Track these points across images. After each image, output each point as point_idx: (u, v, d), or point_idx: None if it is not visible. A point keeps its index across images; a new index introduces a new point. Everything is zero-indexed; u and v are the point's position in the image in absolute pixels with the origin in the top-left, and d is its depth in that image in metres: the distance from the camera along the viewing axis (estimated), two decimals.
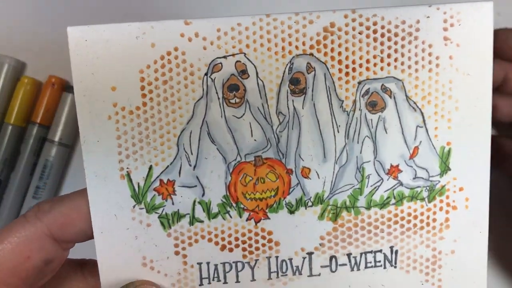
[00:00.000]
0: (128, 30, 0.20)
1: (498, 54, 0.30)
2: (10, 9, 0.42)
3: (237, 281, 0.23)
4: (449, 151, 0.22)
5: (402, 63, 0.21)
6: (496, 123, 0.32)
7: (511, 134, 0.34)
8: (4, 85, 0.40)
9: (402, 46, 0.21)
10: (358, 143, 0.22)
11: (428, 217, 0.23)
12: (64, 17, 0.42)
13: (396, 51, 0.21)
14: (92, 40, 0.20)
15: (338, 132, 0.22)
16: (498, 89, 0.32)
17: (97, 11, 0.42)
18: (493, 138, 0.31)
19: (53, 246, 0.22)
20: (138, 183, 0.22)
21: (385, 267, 0.23)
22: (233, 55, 0.21)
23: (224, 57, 0.21)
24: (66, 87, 0.41)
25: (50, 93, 0.40)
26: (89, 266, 0.25)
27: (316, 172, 0.22)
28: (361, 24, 0.21)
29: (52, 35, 0.41)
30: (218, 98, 0.21)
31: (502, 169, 0.33)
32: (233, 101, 0.21)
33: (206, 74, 0.21)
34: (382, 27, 0.21)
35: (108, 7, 0.41)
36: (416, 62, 0.21)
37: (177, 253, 0.22)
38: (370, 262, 0.23)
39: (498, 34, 0.31)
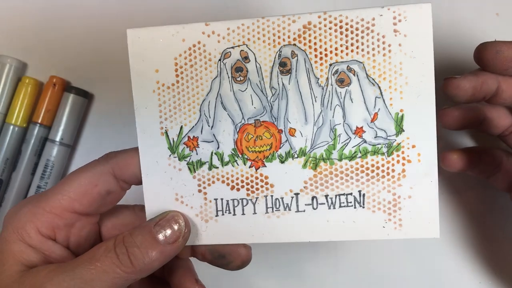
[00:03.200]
0: (167, 30, 0.30)
1: (489, 68, 0.32)
2: (11, 10, 0.43)
3: (243, 214, 0.30)
4: (402, 116, 0.29)
5: (362, 50, 0.29)
6: (488, 134, 0.36)
7: (501, 146, 0.37)
8: (5, 86, 0.40)
9: (362, 37, 0.29)
10: (330, 110, 0.29)
11: (388, 168, 0.29)
12: (65, 17, 0.42)
13: (357, 41, 0.29)
14: (142, 37, 0.30)
15: (316, 101, 0.29)
16: (490, 100, 0.33)
17: (97, 11, 0.43)
18: (487, 150, 0.36)
19: (114, 181, 0.31)
20: (173, 138, 0.30)
21: (355, 207, 0.30)
22: (238, 46, 0.29)
23: (232, 47, 0.29)
24: (67, 87, 0.41)
25: (51, 93, 0.40)
26: (137, 207, 0.34)
27: (300, 132, 0.30)
28: (330, 22, 0.29)
29: (53, 35, 0.42)
30: (228, 77, 0.30)
31: (493, 181, 0.36)
32: (239, 79, 0.30)
33: (219, 60, 0.30)
34: (346, 24, 0.29)
35: (108, 7, 0.43)
36: (373, 49, 0.29)
37: (199, 191, 0.31)
38: (343, 203, 0.30)
39: (487, 47, 0.32)
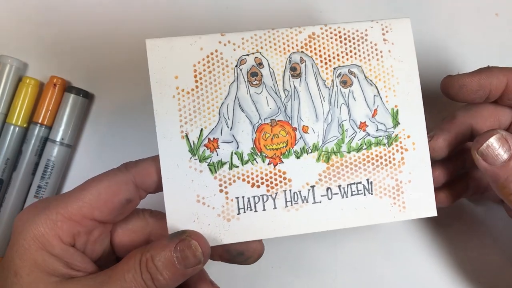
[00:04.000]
0: (185, 40, 0.32)
1: (456, 100, 0.35)
2: (11, 10, 0.43)
3: (264, 209, 0.32)
4: (397, 111, 0.33)
5: (360, 55, 0.33)
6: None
7: None
8: (6, 86, 0.40)
9: (358, 45, 0.33)
10: (337, 108, 0.33)
11: (389, 157, 0.33)
12: (65, 18, 0.43)
13: (355, 48, 0.33)
14: (162, 47, 0.32)
15: (324, 101, 0.33)
16: (497, 100, 0.34)
17: (97, 11, 0.43)
18: (471, 175, 0.39)
19: (134, 190, 0.31)
20: (193, 141, 0.32)
21: (365, 194, 0.33)
22: (252, 53, 0.32)
23: (247, 54, 0.32)
24: (68, 88, 0.41)
25: (52, 94, 0.40)
26: (146, 212, 0.33)
27: (312, 128, 0.33)
28: (331, 33, 0.33)
29: (53, 35, 0.43)
30: (245, 81, 0.32)
31: (487, 197, 0.40)
32: (254, 83, 0.32)
33: (236, 66, 0.32)
34: (344, 34, 0.33)
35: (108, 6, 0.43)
36: (368, 55, 0.33)
37: (221, 191, 0.32)
38: (354, 191, 0.33)
39: (451, 83, 0.34)
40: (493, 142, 0.32)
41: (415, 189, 0.33)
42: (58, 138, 0.40)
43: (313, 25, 0.33)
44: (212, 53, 0.32)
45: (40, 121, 0.41)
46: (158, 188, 0.32)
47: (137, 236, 0.32)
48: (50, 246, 0.28)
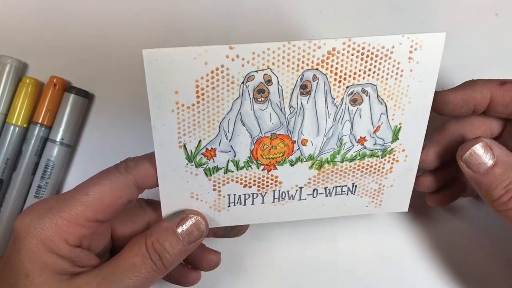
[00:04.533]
0: (188, 52, 0.28)
1: (443, 115, 0.34)
2: (11, 10, 0.42)
3: (252, 204, 0.34)
4: (399, 128, 0.33)
5: (378, 74, 0.30)
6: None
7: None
8: (6, 86, 0.40)
9: (380, 63, 0.30)
10: (340, 124, 0.32)
11: (379, 167, 0.34)
12: (65, 18, 0.42)
13: (375, 66, 0.30)
14: (161, 59, 0.28)
15: (329, 117, 0.32)
16: (486, 111, 0.34)
17: (98, 11, 0.42)
18: (455, 179, 0.38)
19: (136, 191, 0.32)
20: (191, 150, 0.31)
21: (347, 195, 0.35)
22: (262, 70, 0.29)
23: (256, 71, 0.29)
24: (68, 88, 0.41)
25: (52, 94, 0.40)
26: (141, 200, 0.35)
27: (311, 141, 0.32)
28: (353, 49, 0.29)
29: (53, 35, 0.42)
30: (250, 98, 0.30)
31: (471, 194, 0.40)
32: (260, 99, 0.30)
33: (242, 82, 0.29)
34: (368, 50, 0.29)
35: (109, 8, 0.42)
36: (387, 74, 0.30)
37: (214, 189, 0.33)
38: (339, 192, 0.35)
39: (436, 99, 0.33)
40: (476, 149, 0.32)
41: (395, 191, 0.36)
42: (58, 138, 0.40)
43: (335, 38, 0.29)
44: (217, 68, 0.28)
45: (40, 121, 0.40)
46: (158, 184, 0.33)
47: (137, 225, 0.34)
48: (57, 249, 0.30)
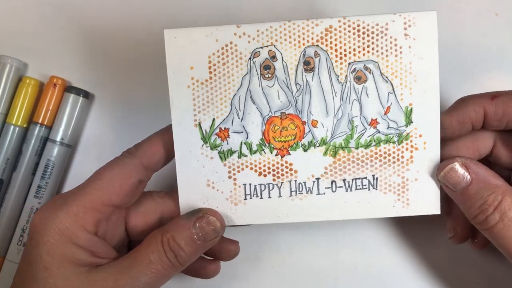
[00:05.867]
0: (202, 31, 0.33)
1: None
2: (11, 10, 0.43)
3: (269, 197, 0.34)
4: (411, 110, 0.33)
5: (377, 51, 0.33)
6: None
7: None
8: (6, 86, 0.40)
9: (377, 40, 0.32)
10: (349, 104, 0.33)
11: (398, 155, 0.33)
12: (65, 18, 0.43)
13: (373, 43, 0.32)
14: (179, 37, 0.33)
15: (336, 96, 0.33)
16: (483, 126, 0.34)
17: (98, 11, 0.43)
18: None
19: (143, 170, 0.33)
20: (206, 130, 0.33)
21: (369, 189, 0.34)
22: (267, 46, 0.33)
23: (261, 47, 0.33)
24: (68, 88, 0.41)
25: (52, 94, 0.41)
26: (155, 193, 0.36)
27: (322, 123, 0.33)
28: (349, 26, 0.32)
29: (53, 35, 0.43)
30: (257, 74, 0.33)
31: None
32: (267, 76, 0.33)
33: (250, 58, 0.33)
34: (363, 28, 0.32)
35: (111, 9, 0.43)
36: (387, 50, 0.32)
37: (229, 177, 0.34)
38: (359, 186, 0.34)
39: (445, 120, 0.33)
40: (452, 169, 0.32)
41: (421, 187, 0.34)
42: (58, 138, 0.40)
43: (331, 17, 0.32)
44: (227, 45, 0.33)
45: (40, 121, 0.41)
46: (165, 162, 0.34)
47: (150, 217, 0.35)
48: (76, 238, 0.31)
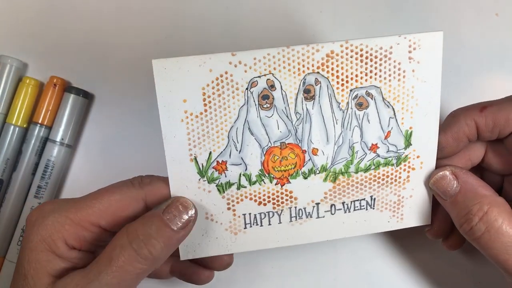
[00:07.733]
0: (194, 60, 0.29)
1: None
2: (11, 10, 0.42)
3: (269, 224, 0.33)
4: (411, 133, 0.33)
5: (380, 76, 0.31)
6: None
7: None
8: (6, 86, 0.40)
9: (380, 64, 0.31)
10: (350, 130, 0.32)
11: (395, 176, 0.33)
12: (65, 18, 0.42)
13: (376, 68, 0.31)
14: (169, 68, 0.29)
15: (337, 124, 0.32)
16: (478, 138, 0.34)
17: (98, 11, 0.43)
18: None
19: (143, 207, 0.31)
20: (202, 164, 0.31)
21: (367, 209, 0.34)
22: (264, 75, 0.30)
23: (259, 76, 0.30)
24: (68, 88, 0.41)
25: (52, 94, 0.40)
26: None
27: (322, 151, 0.32)
28: (351, 51, 0.30)
29: (53, 35, 0.42)
30: (255, 105, 0.31)
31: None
32: (265, 106, 0.31)
33: (247, 88, 0.30)
34: (366, 52, 0.30)
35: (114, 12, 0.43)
36: (390, 75, 0.31)
37: (228, 208, 0.33)
38: (357, 207, 0.34)
39: (441, 139, 0.33)
40: (442, 177, 0.33)
41: (415, 203, 0.34)
42: (58, 138, 0.40)
43: (332, 41, 0.30)
44: (222, 75, 0.30)
45: (40, 121, 0.40)
46: None
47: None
48: (55, 248, 0.30)
